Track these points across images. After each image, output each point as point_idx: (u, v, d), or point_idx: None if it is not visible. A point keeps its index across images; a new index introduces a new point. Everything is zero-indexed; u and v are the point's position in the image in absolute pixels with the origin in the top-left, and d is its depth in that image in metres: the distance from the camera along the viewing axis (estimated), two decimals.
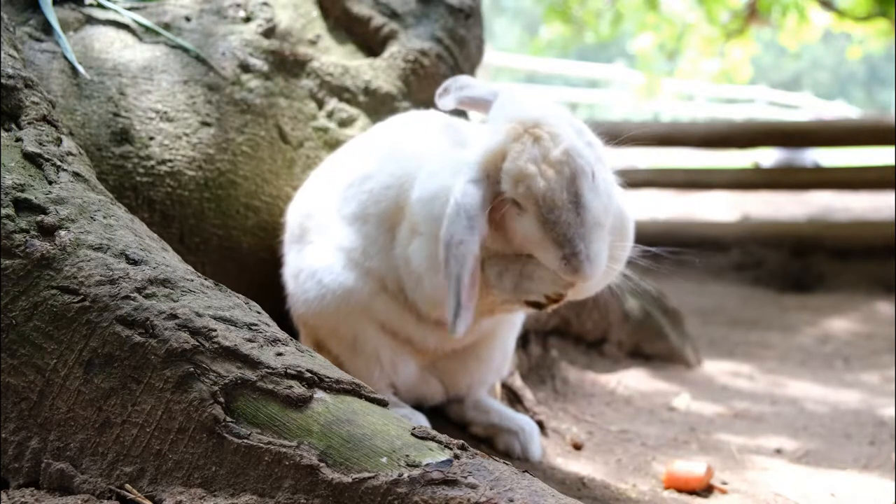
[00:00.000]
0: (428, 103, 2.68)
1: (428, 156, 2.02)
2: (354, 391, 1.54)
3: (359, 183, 2.12)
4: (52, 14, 2.37)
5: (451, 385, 2.31)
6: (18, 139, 1.77)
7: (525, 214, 1.80)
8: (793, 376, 3.68)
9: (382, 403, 1.56)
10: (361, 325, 2.09)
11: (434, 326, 2.09)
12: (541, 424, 2.46)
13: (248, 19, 2.66)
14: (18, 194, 1.66)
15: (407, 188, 2.01)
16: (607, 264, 1.88)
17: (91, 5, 2.55)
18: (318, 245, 2.14)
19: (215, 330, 1.54)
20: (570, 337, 3.34)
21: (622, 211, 2.02)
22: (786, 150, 9.46)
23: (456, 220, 1.78)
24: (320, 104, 2.66)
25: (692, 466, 2.23)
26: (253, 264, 2.48)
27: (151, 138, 2.36)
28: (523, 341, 2.83)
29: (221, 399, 1.47)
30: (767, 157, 10.51)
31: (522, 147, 1.81)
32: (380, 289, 2.07)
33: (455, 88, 2.04)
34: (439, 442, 1.45)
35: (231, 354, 1.52)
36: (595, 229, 1.81)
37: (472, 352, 2.26)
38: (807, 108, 21.48)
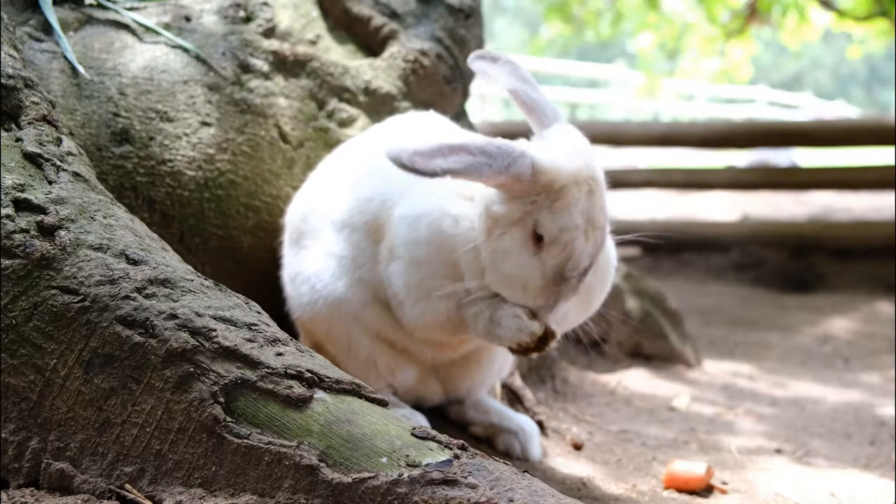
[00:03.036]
0: (428, 103, 2.68)
1: (414, 179, 1.99)
2: (354, 391, 1.54)
3: (347, 189, 2.10)
4: (52, 14, 2.37)
5: (451, 387, 2.30)
6: (18, 139, 1.77)
7: (541, 255, 1.77)
8: (793, 376, 3.68)
9: (382, 403, 1.56)
10: (354, 332, 2.08)
11: (429, 341, 2.09)
12: (541, 424, 2.46)
13: (248, 19, 2.66)
14: (18, 194, 1.66)
15: (389, 205, 1.99)
16: (583, 306, 1.99)
17: (91, 5, 2.55)
18: (312, 250, 2.14)
19: (215, 330, 1.54)
20: (571, 337, 3.33)
21: (608, 258, 2.03)
22: (763, 149, 9.39)
23: (506, 156, 1.70)
24: (320, 104, 2.66)
25: (692, 466, 2.23)
26: (253, 264, 2.48)
27: (151, 138, 2.36)
28: None
29: (221, 399, 1.47)
30: (743, 157, 10.46)
31: (579, 196, 1.76)
32: (371, 299, 2.05)
33: (513, 73, 1.94)
34: (439, 442, 1.45)
35: (231, 354, 1.52)
36: (576, 294, 1.84)
37: (474, 356, 2.25)
38: (807, 108, 21.47)
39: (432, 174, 1.68)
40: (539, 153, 1.77)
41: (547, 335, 1.85)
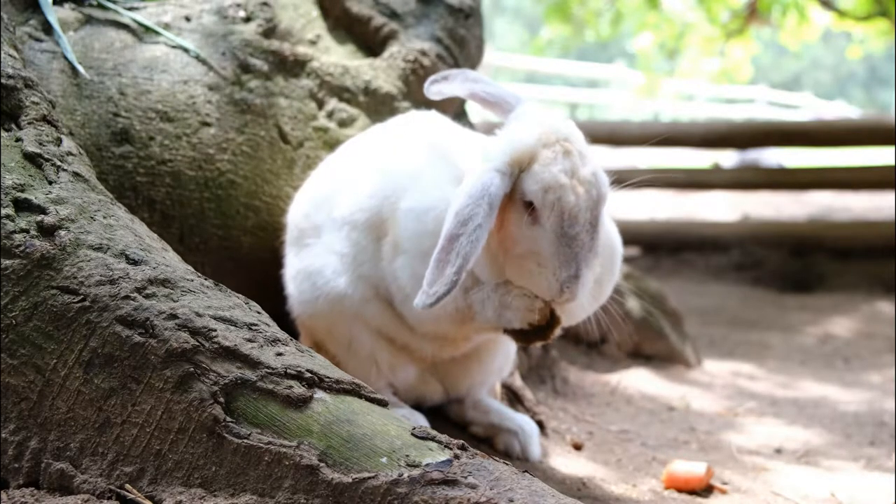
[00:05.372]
0: (428, 104, 2.68)
1: (419, 174, 2.00)
2: (354, 391, 1.54)
3: (348, 187, 2.11)
4: (52, 14, 2.37)
5: (451, 386, 2.30)
6: (18, 139, 1.77)
7: (539, 224, 1.77)
8: (793, 376, 3.69)
9: (382, 403, 1.56)
10: (355, 329, 2.08)
11: (431, 337, 2.09)
12: (541, 424, 2.46)
13: (248, 19, 2.66)
14: (18, 194, 1.66)
15: (392, 201, 1.99)
16: (594, 294, 1.91)
17: (91, 5, 2.55)
18: (313, 248, 2.14)
19: (215, 330, 1.54)
20: (570, 337, 3.34)
21: (613, 244, 2.03)
22: (749, 150, 9.36)
23: (479, 203, 1.72)
24: (320, 104, 2.66)
25: (692, 466, 2.23)
26: (253, 264, 2.48)
27: (151, 138, 2.36)
28: None
29: (221, 399, 1.47)
30: (728, 157, 10.44)
31: (554, 155, 1.77)
32: (372, 295, 2.05)
33: (466, 80, 1.98)
34: (439, 442, 1.45)
35: (231, 354, 1.52)
36: (595, 257, 1.81)
37: (474, 356, 2.25)
38: (807, 108, 21.46)
39: (455, 282, 1.68)
40: (499, 159, 1.78)
41: (552, 320, 1.86)
